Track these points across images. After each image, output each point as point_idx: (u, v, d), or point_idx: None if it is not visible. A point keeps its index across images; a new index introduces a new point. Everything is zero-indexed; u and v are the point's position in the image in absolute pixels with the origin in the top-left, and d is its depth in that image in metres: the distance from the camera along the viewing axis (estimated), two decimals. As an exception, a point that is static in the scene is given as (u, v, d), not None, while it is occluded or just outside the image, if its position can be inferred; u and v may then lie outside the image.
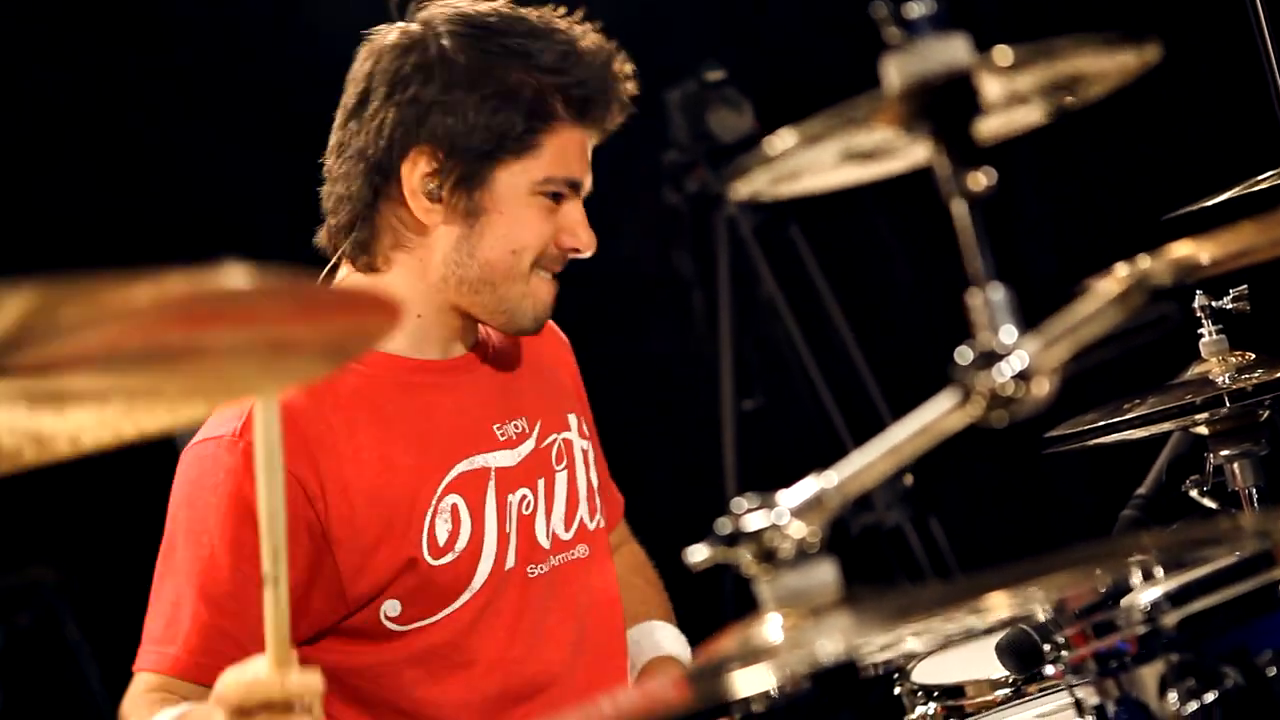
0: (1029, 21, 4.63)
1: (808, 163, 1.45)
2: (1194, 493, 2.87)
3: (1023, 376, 1.37)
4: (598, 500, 2.54)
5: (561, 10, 2.39)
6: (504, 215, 2.34)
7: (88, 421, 1.26)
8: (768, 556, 1.39)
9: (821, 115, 1.40)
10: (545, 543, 2.43)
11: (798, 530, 1.39)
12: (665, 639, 2.62)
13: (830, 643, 1.34)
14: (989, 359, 1.37)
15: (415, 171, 2.32)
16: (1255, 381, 2.68)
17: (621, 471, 2.74)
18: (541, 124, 2.32)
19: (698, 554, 1.40)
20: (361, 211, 2.36)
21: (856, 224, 4.86)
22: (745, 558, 1.39)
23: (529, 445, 2.45)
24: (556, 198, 2.35)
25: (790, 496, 1.40)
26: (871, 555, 4.65)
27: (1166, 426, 2.76)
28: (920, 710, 2.53)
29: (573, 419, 2.54)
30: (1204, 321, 2.76)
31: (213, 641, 2.21)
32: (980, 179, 1.38)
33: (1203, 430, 2.78)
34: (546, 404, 2.51)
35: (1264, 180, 2.69)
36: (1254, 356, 2.76)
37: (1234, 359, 2.75)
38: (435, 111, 2.30)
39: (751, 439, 4.72)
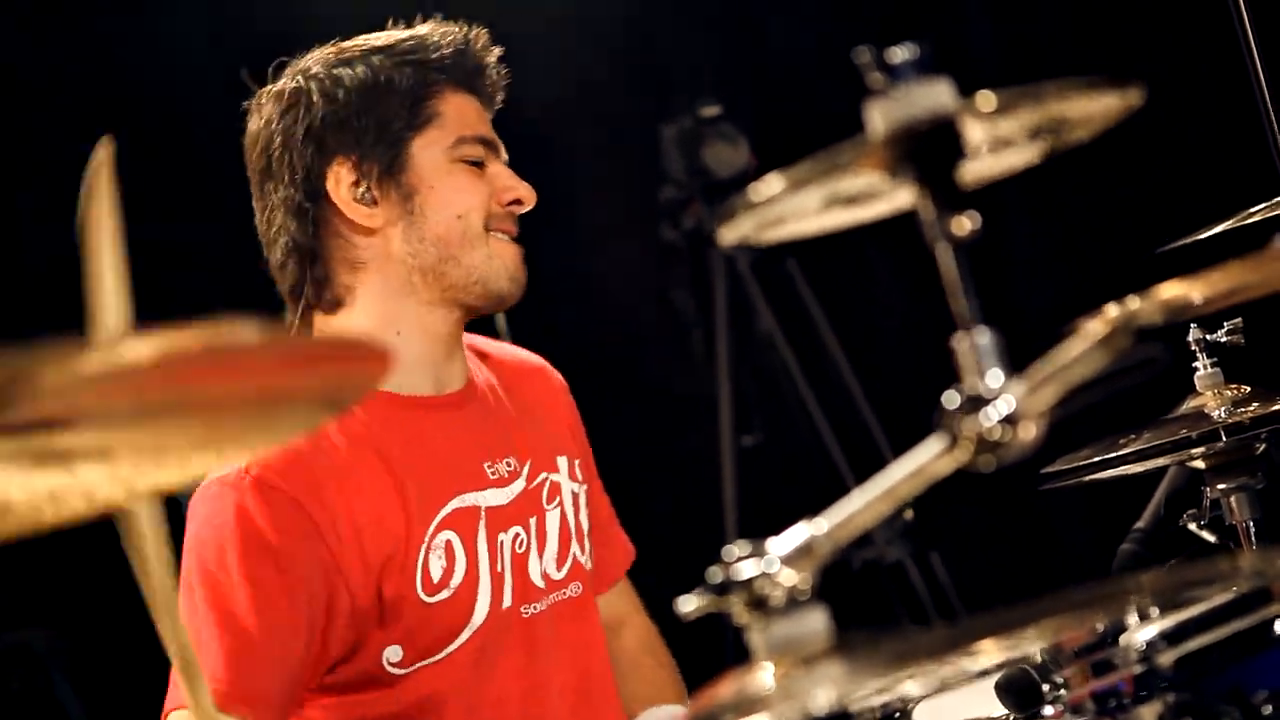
0: (1023, 63, 4.64)
1: (793, 207, 1.45)
2: (1192, 526, 2.87)
3: (1009, 420, 1.37)
4: (587, 542, 2.53)
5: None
6: (435, 188, 2.40)
7: (99, 478, 1.26)
8: (759, 605, 1.38)
9: (806, 161, 1.40)
10: (539, 582, 2.42)
11: (788, 578, 1.39)
12: (676, 713, 2.60)
13: (823, 692, 1.33)
14: (976, 403, 1.37)
15: (341, 186, 2.38)
16: (1251, 415, 2.68)
17: (622, 509, 2.74)
18: (427, 93, 2.41)
19: (688, 604, 1.39)
20: (308, 251, 2.40)
21: (853, 259, 4.87)
22: (736, 606, 1.39)
23: (520, 484, 2.45)
24: (477, 164, 2.43)
25: (780, 544, 1.40)
26: (873, 591, 4.64)
27: (1163, 461, 2.76)
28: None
29: (562, 461, 2.54)
30: (1199, 355, 2.76)
31: (241, 671, 2.20)
32: (964, 223, 1.38)
33: (1199, 464, 2.77)
34: (536, 444, 2.51)
35: (1256, 213, 2.69)
36: (1249, 390, 2.76)
37: (1229, 392, 2.75)
38: (331, 128, 2.38)
39: (751, 475, 4.72)
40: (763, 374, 4.79)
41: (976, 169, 1.49)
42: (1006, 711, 2.26)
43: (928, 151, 1.38)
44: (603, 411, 2.78)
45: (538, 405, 2.58)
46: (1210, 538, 2.87)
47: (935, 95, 1.38)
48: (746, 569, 1.38)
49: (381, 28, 2.49)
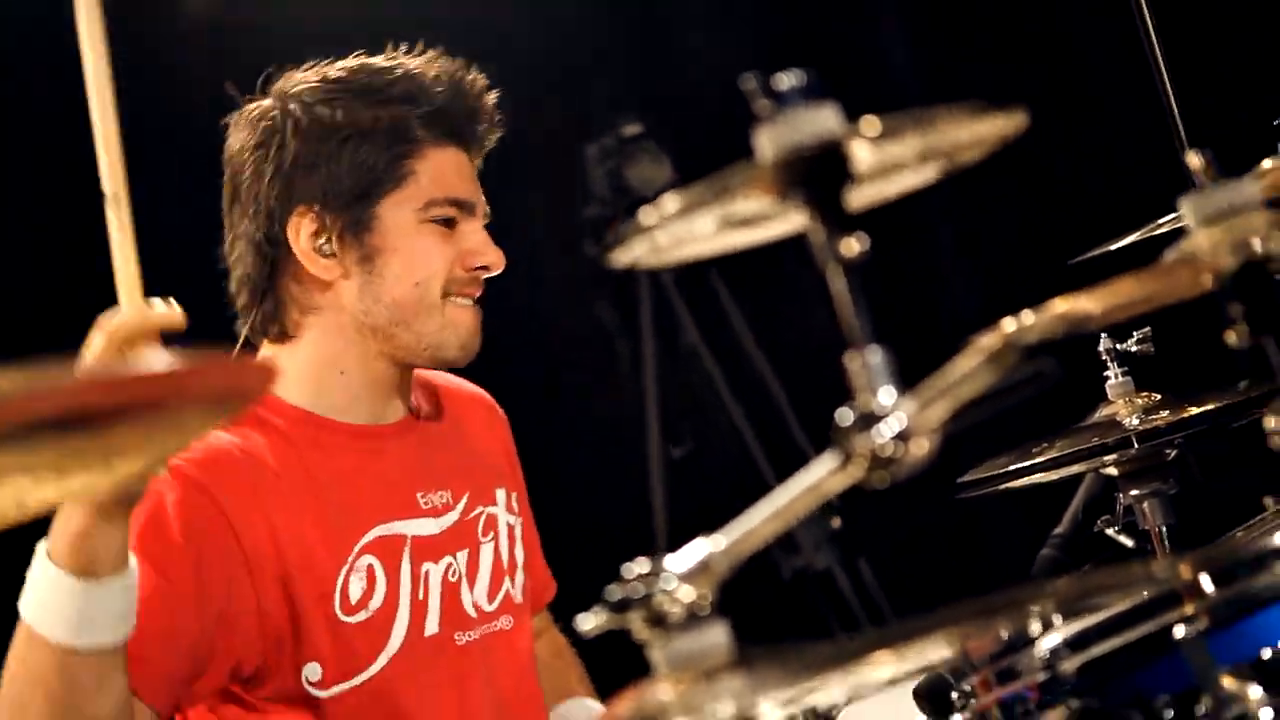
0: (938, 82, 4.69)
1: (686, 231, 1.47)
2: (1109, 531, 2.92)
3: (902, 437, 1.40)
4: (520, 575, 2.54)
5: (403, 48, 2.43)
6: (398, 251, 2.35)
7: (27, 487, 1.26)
8: (658, 621, 1.40)
9: (697, 185, 1.42)
10: (472, 613, 2.43)
11: (687, 594, 1.41)
12: (595, 709, 2.63)
13: (723, 707, 1.35)
14: (868, 421, 1.40)
15: (301, 235, 2.35)
16: (1162, 422, 2.73)
17: (552, 524, 2.75)
18: (405, 151, 2.35)
19: (588, 621, 1.41)
20: (262, 288, 2.38)
21: (777, 272, 4.90)
22: (636, 623, 1.40)
23: (453, 516, 2.45)
24: (448, 222, 2.37)
25: (678, 561, 1.42)
26: (802, 599, 4.67)
27: (1077, 469, 2.80)
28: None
29: (500, 494, 2.55)
30: (1110, 364, 2.80)
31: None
32: (853, 245, 1.40)
33: (1112, 471, 2.82)
34: (476, 477, 2.52)
35: (1163, 225, 2.74)
36: (1160, 397, 2.81)
37: (1140, 400, 2.80)
38: (300, 172, 2.32)
39: (680, 486, 4.73)
40: (689, 387, 4.81)
41: (870, 191, 1.52)
42: (925, 717, 2.29)
43: (816, 175, 1.41)
44: (530, 428, 2.79)
45: (480, 437, 2.59)
46: (1128, 542, 2.91)
47: (822, 120, 1.40)
48: (645, 586, 1.40)
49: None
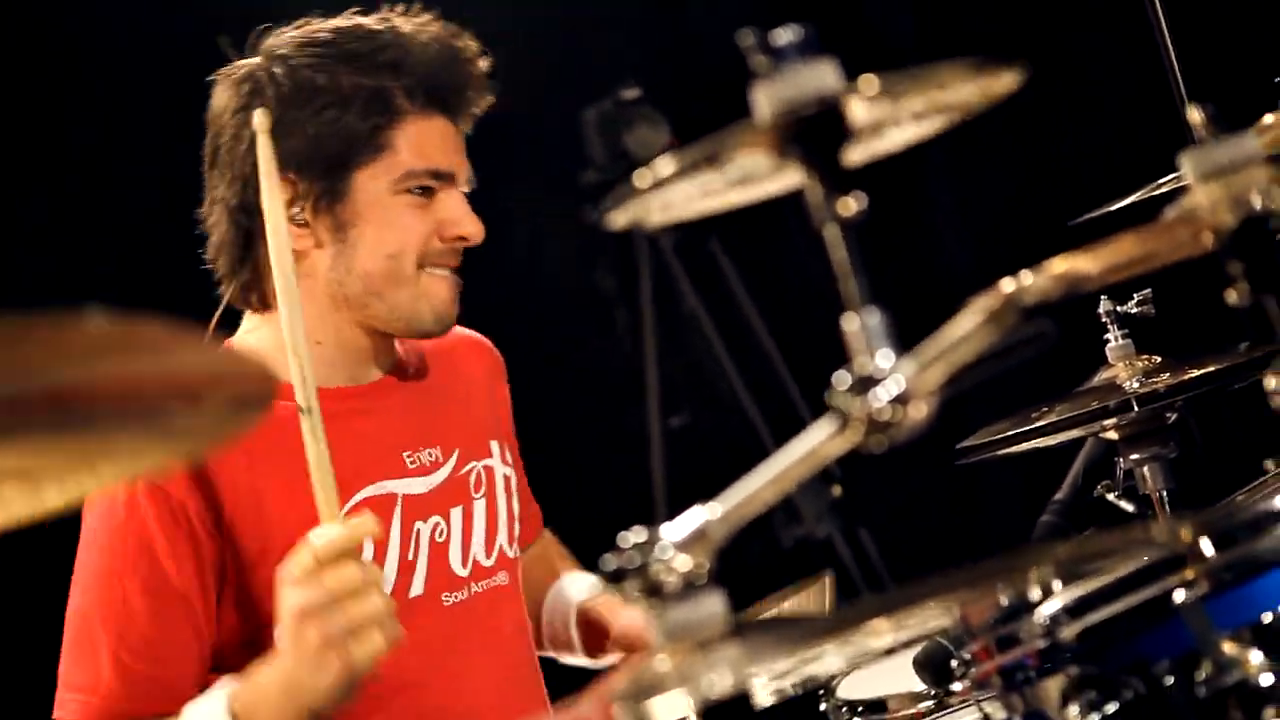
0: (938, 40, 4.66)
1: (683, 191, 1.44)
2: (1110, 496, 2.90)
3: (900, 400, 1.37)
4: (517, 528, 2.52)
5: (401, 8, 2.38)
6: (372, 222, 2.31)
7: (14, 496, 1.24)
8: (654, 591, 1.39)
9: (694, 145, 1.40)
10: (463, 570, 2.41)
11: (683, 563, 1.39)
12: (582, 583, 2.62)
13: (718, 677, 1.34)
14: (865, 384, 1.38)
15: None
16: (1163, 385, 2.71)
17: (551, 492, 2.73)
18: (385, 121, 2.30)
19: (587, 585, 1.39)
20: (238, 255, 2.35)
21: (777, 237, 4.88)
22: (632, 593, 1.39)
23: (443, 472, 2.43)
24: (425, 191, 2.33)
25: (674, 530, 1.40)
26: (804, 568, 4.66)
27: (1076, 433, 2.78)
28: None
29: (495, 445, 2.52)
30: (1110, 326, 2.78)
31: (135, 687, 2.20)
32: (850, 204, 1.38)
33: (1112, 435, 2.80)
34: (467, 430, 2.49)
35: (1165, 184, 2.72)
36: (1160, 360, 2.79)
37: (1140, 363, 2.78)
38: (278, 137, 2.23)
39: (680, 455, 4.72)
40: (689, 354, 4.79)
41: (868, 148, 1.49)
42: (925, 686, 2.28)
43: (813, 133, 1.38)
44: (530, 395, 2.77)
45: (473, 386, 2.56)
46: (1128, 507, 2.90)
47: (820, 77, 1.38)
48: (641, 555, 1.38)
49: None
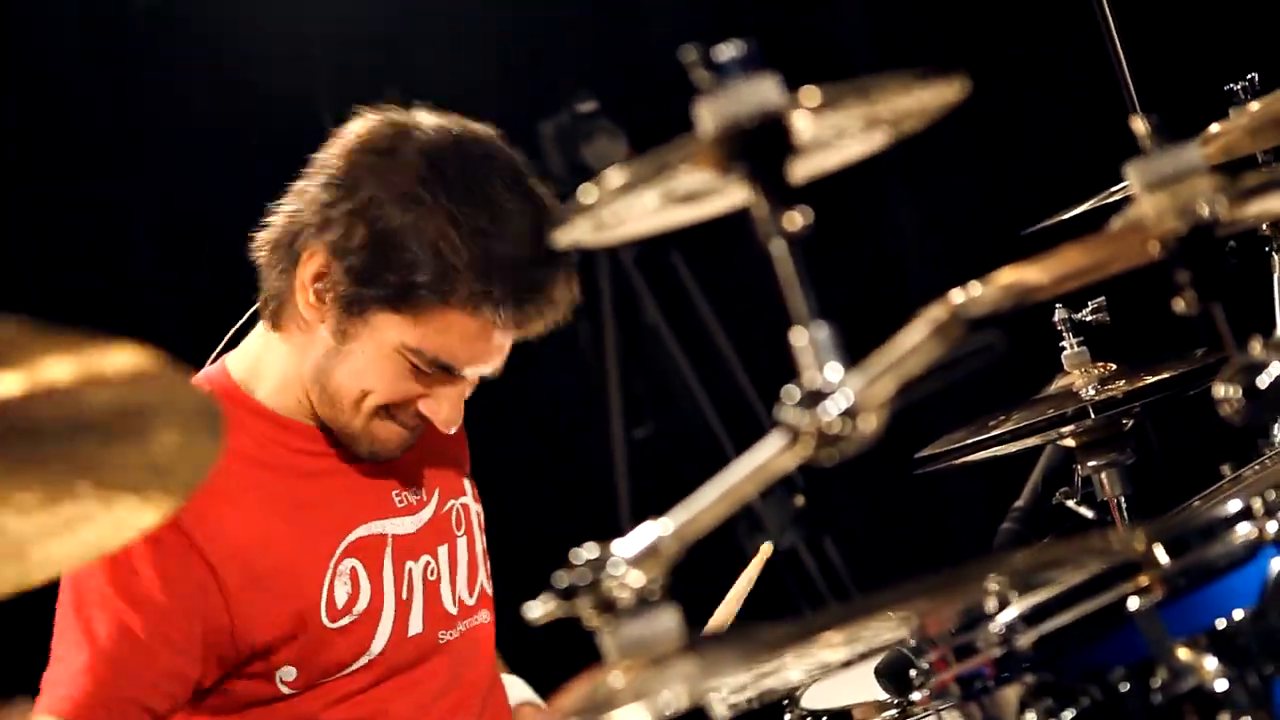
0: (891, 52, 4.67)
1: (628, 208, 1.45)
2: (1069, 503, 2.91)
3: (849, 414, 1.38)
4: (488, 564, 2.53)
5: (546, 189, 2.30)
6: (366, 355, 2.26)
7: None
8: (607, 607, 1.38)
9: (639, 160, 1.40)
10: (453, 609, 2.42)
11: (636, 579, 1.39)
12: (521, 686, 2.63)
13: (672, 692, 1.34)
14: (815, 398, 1.38)
15: (309, 267, 2.25)
16: (1119, 391, 2.72)
17: (515, 507, 2.74)
18: (434, 297, 2.21)
19: (535, 609, 1.39)
20: (274, 281, 2.31)
21: (737, 248, 4.88)
22: (585, 610, 1.38)
23: (428, 512, 2.43)
24: (423, 372, 2.26)
25: (626, 546, 1.40)
26: (768, 578, 4.66)
27: (1034, 441, 2.79)
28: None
29: (467, 484, 2.53)
30: (1065, 334, 2.79)
31: (103, 687, 2.18)
32: (796, 218, 1.38)
33: (1070, 442, 2.81)
34: (445, 470, 2.50)
35: (1115, 193, 2.73)
36: (1115, 367, 2.80)
37: (1096, 370, 2.78)
38: (342, 220, 2.20)
39: (643, 467, 4.72)
40: (651, 366, 4.79)
41: (815, 162, 1.50)
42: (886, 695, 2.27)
43: (757, 148, 1.38)
44: (493, 410, 2.77)
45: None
46: (1087, 513, 2.91)
47: (762, 92, 1.38)
48: (593, 572, 1.38)
49: None
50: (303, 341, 2.30)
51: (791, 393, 1.39)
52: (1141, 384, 2.72)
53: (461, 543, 2.46)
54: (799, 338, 1.40)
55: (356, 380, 2.27)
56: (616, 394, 4.75)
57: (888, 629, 1.59)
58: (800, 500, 4.51)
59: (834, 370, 1.39)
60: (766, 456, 1.40)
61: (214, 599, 2.22)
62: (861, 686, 2.53)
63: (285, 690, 2.27)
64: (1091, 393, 2.72)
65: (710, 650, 1.41)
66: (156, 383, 1.19)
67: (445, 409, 2.28)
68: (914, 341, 1.41)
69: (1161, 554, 1.70)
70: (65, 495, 1.17)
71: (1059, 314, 2.80)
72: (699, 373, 4.77)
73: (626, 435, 4.75)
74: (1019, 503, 3.09)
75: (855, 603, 1.45)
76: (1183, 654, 1.64)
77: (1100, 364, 2.79)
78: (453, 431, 2.32)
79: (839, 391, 1.38)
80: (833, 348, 1.40)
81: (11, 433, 1.14)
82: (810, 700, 2.63)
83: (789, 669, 1.56)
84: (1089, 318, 2.78)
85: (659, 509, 1.48)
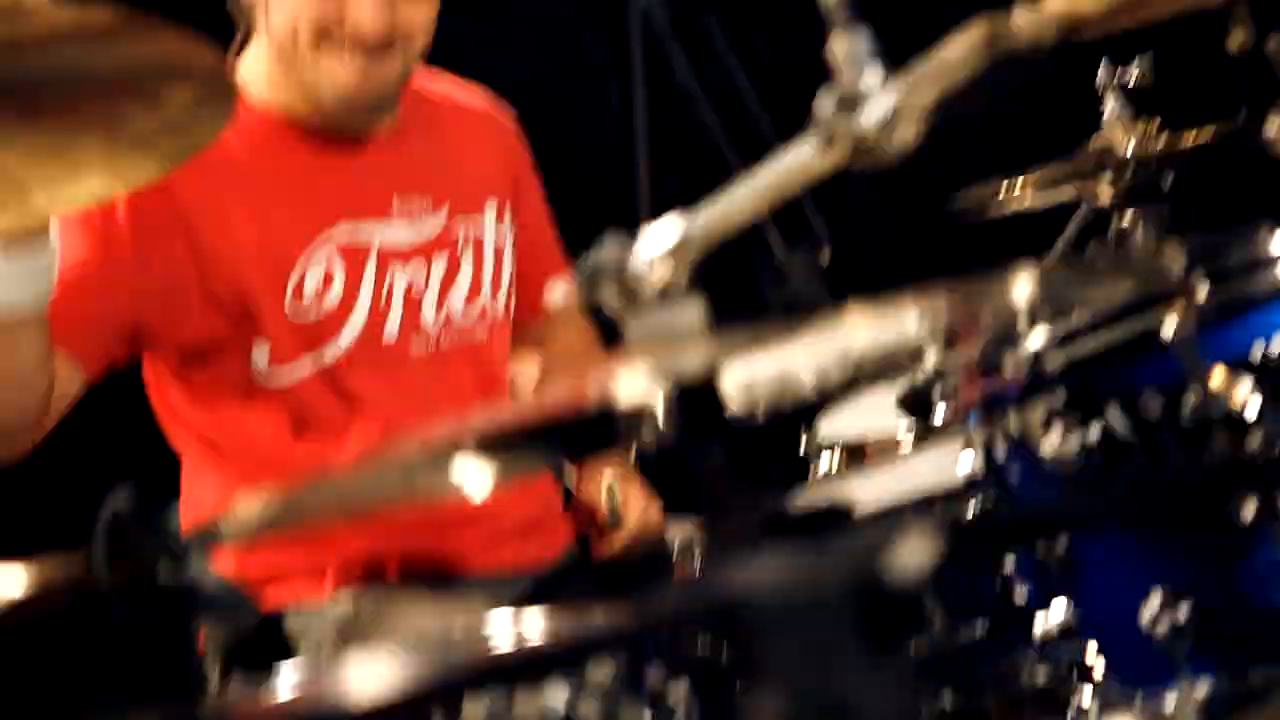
0: None
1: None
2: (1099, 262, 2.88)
3: (886, 121, 1.33)
4: (506, 291, 2.51)
5: None
6: None
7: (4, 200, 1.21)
8: (632, 295, 1.36)
9: None
10: (439, 323, 2.41)
11: (662, 268, 1.36)
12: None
13: (690, 362, 1.31)
14: (851, 102, 1.33)
15: None
16: (1159, 149, 2.68)
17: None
18: None
19: (559, 292, 1.36)
20: None
21: (774, 13, 4.80)
22: (608, 294, 1.36)
23: (432, 222, 2.42)
24: None
25: (653, 235, 1.37)
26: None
27: (1069, 194, 2.76)
28: (825, 460, 2.57)
29: (490, 205, 2.51)
30: (1107, 92, 2.74)
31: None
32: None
33: (1105, 199, 2.78)
34: (463, 187, 2.48)
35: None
36: (1156, 124, 2.75)
37: (1137, 127, 2.74)
38: None
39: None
40: (682, 130, 4.75)
41: None
42: (903, 422, 2.27)
43: None
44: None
45: (472, 146, 2.54)
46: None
47: None
48: (620, 258, 1.35)
49: None
50: (262, 26, 2.33)
51: (828, 96, 1.34)
52: (1181, 143, 2.68)
53: (466, 259, 2.45)
54: (837, 43, 1.35)
55: (284, 17, 2.27)
56: (644, 157, 4.71)
57: (912, 321, 1.55)
58: (824, 254, 4.49)
59: (873, 75, 1.34)
60: (799, 158, 1.37)
61: (186, 265, 2.24)
62: (879, 415, 2.54)
63: (260, 379, 2.29)
64: (1130, 151, 2.68)
65: (730, 337, 1.37)
66: (172, 43, 1.17)
67: (367, 10, 2.25)
68: (956, 55, 1.36)
69: (1201, 281, 1.67)
70: (72, 145, 1.16)
71: (1102, 72, 2.74)
72: (732, 138, 4.72)
73: (653, 195, 4.72)
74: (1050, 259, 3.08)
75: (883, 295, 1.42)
76: (1217, 378, 1.62)
77: (1141, 121, 2.74)
78: (376, 34, 2.27)
79: (877, 97, 1.33)
80: (871, 53, 1.35)
81: (18, 83, 1.13)
82: (827, 429, 2.66)
83: (805, 357, 1.51)
84: (1132, 76, 2.72)
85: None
